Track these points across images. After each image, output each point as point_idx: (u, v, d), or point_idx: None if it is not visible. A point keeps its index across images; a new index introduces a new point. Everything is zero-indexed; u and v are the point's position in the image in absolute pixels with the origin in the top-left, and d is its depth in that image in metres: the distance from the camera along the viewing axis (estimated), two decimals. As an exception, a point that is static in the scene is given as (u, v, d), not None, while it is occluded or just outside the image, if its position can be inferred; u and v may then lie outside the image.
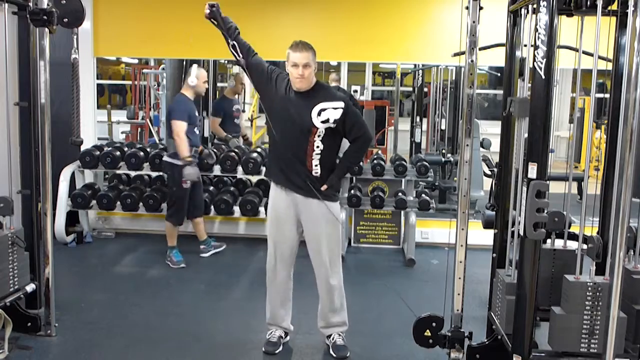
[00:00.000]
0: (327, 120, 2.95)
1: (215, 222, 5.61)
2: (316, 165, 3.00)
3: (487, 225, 3.21)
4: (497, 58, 3.38)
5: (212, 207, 5.14)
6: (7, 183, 3.21)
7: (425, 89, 8.30)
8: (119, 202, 5.15)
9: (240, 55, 2.95)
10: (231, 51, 2.95)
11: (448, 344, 2.87)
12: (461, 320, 2.89)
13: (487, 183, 5.71)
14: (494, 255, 2.95)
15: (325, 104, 2.95)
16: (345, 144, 3.13)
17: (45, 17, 3.03)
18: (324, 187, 3.01)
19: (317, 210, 3.03)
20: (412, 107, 8.44)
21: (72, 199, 5.14)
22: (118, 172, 5.47)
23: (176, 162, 4.49)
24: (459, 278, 2.86)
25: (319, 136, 2.96)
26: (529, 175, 2.32)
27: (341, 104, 2.97)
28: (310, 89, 2.98)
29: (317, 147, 2.98)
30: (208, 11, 2.86)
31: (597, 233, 2.62)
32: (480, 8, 2.70)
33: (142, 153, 5.18)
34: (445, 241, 2.95)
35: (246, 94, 9.49)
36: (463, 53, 2.78)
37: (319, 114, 2.94)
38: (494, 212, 2.99)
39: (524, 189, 2.36)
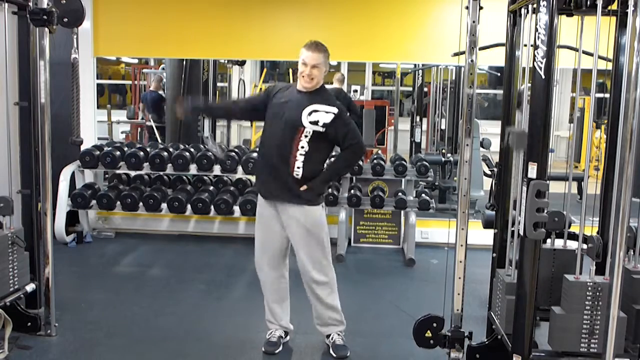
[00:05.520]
0: (316, 122, 2.95)
1: (215, 222, 5.62)
2: (298, 168, 2.97)
3: (487, 225, 3.22)
4: (497, 58, 3.38)
5: (212, 207, 5.14)
6: (7, 183, 3.20)
7: (425, 89, 8.30)
8: (119, 202, 5.14)
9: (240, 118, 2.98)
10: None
11: (448, 344, 2.87)
12: (461, 320, 2.89)
13: (487, 183, 5.71)
14: (494, 255, 2.95)
15: (318, 106, 2.96)
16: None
17: (45, 17, 3.03)
18: (302, 188, 2.98)
19: (295, 214, 3.01)
20: (412, 107, 8.45)
21: (72, 199, 5.14)
22: (118, 172, 5.46)
23: None
24: (459, 278, 2.86)
25: (305, 136, 2.96)
26: (529, 175, 2.32)
27: (334, 110, 2.97)
28: (314, 90, 3.00)
29: (302, 147, 2.96)
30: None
31: (597, 233, 2.63)
32: (480, 8, 2.70)
33: (142, 153, 5.17)
34: (445, 241, 2.95)
35: (246, 93, 9.50)
36: (463, 53, 2.78)
37: (309, 114, 2.95)
38: (494, 212, 3.00)
39: (524, 188, 2.36)
